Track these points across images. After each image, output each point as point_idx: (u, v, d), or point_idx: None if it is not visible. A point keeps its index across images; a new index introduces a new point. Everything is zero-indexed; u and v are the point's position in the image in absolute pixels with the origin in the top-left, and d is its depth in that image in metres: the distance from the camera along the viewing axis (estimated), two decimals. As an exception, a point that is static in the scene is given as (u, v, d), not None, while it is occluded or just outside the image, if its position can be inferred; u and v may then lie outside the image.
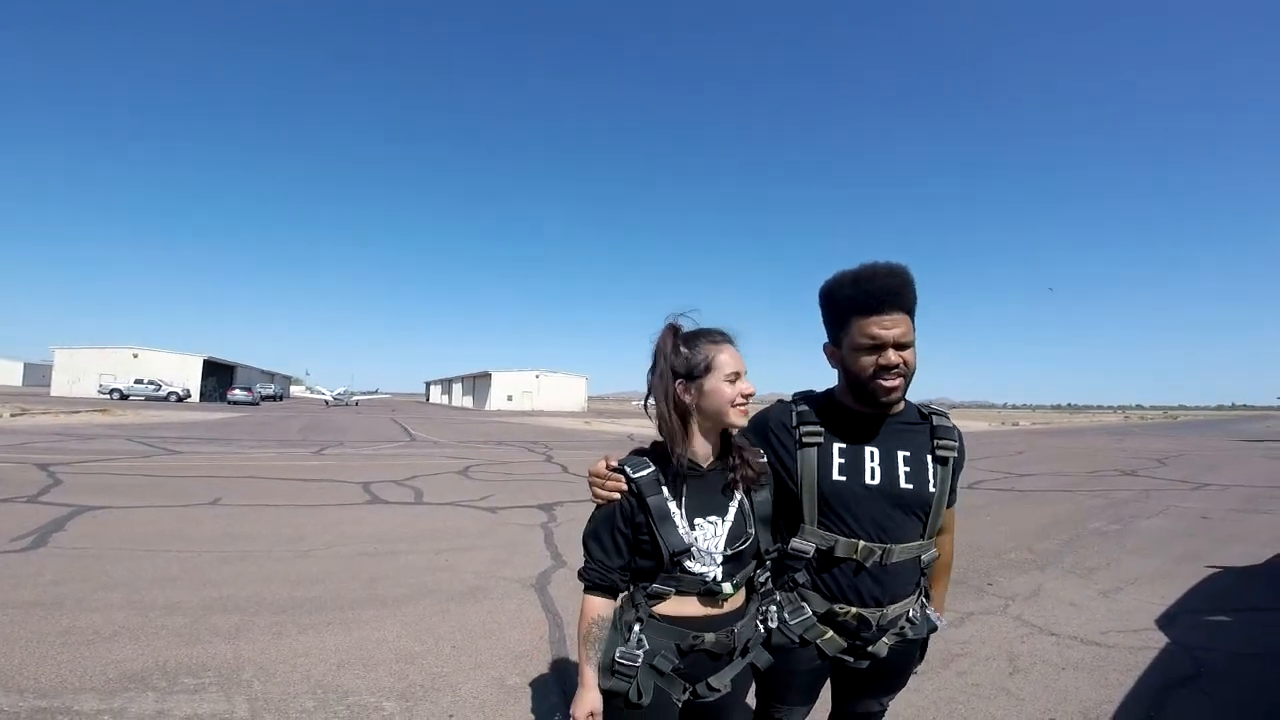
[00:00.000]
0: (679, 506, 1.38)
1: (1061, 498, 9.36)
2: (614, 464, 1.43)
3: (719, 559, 1.37)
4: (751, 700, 1.58)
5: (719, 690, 1.39)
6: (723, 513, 1.40)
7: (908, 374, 1.44)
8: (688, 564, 1.35)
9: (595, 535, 1.41)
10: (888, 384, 1.42)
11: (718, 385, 1.37)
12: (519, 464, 12.56)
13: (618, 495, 1.38)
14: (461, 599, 4.11)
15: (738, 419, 1.39)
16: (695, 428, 1.41)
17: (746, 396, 1.39)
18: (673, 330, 1.43)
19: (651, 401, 1.41)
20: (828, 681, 1.61)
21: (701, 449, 1.43)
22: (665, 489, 1.38)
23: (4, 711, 2.50)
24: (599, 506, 1.42)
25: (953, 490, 1.58)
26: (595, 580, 1.39)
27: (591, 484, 1.44)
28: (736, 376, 1.39)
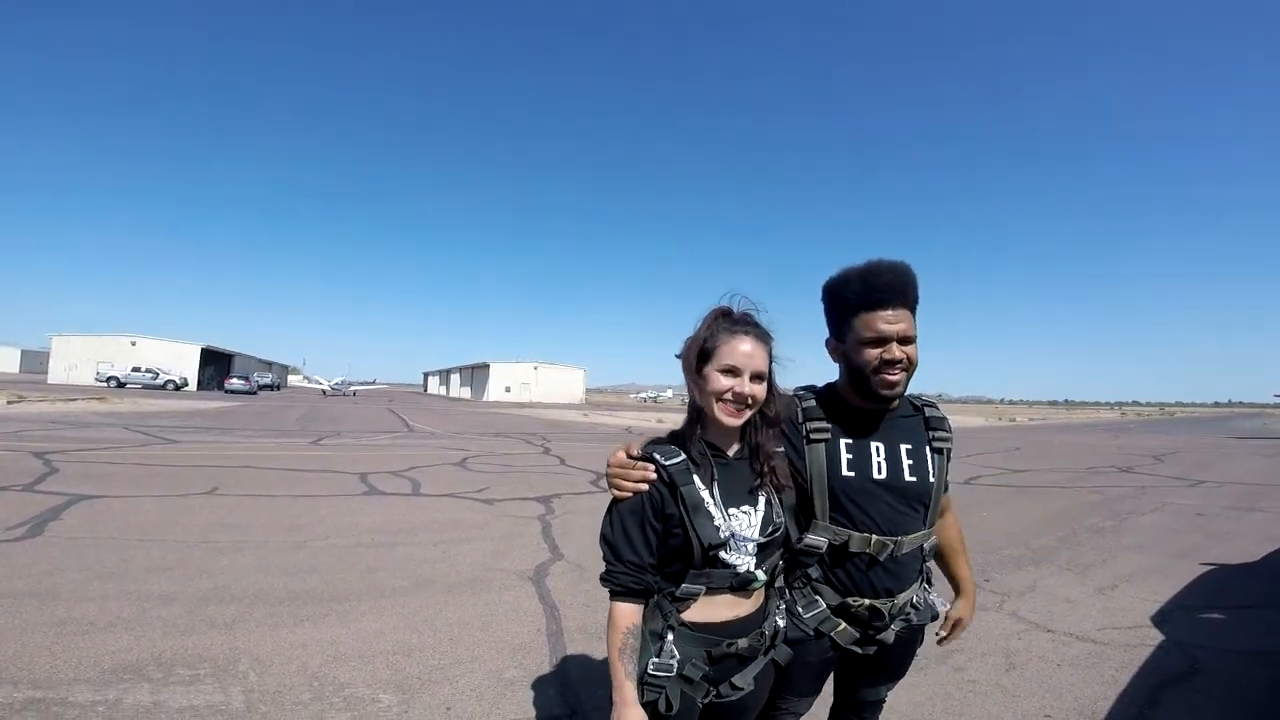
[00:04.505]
0: (713, 495, 1.30)
1: (1058, 494, 9.39)
2: (638, 452, 1.32)
3: (753, 548, 1.31)
4: None
5: (742, 689, 1.35)
6: (754, 504, 1.35)
7: (910, 369, 1.47)
8: (723, 555, 1.28)
9: (623, 533, 1.28)
10: (891, 378, 1.45)
11: (712, 373, 1.30)
12: (517, 456, 12.57)
13: (645, 486, 1.28)
14: (459, 591, 4.11)
15: (719, 415, 1.30)
16: (708, 410, 1.33)
17: (737, 396, 1.29)
18: (719, 311, 1.36)
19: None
20: (830, 673, 1.63)
21: (718, 435, 1.36)
22: (697, 477, 1.30)
23: (-2, 702, 2.49)
24: (620, 501, 1.30)
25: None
26: (628, 585, 1.26)
27: (612, 476, 1.33)
28: (732, 371, 1.29)
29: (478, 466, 10.61)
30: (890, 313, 1.43)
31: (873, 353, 1.45)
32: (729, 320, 1.35)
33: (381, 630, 3.40)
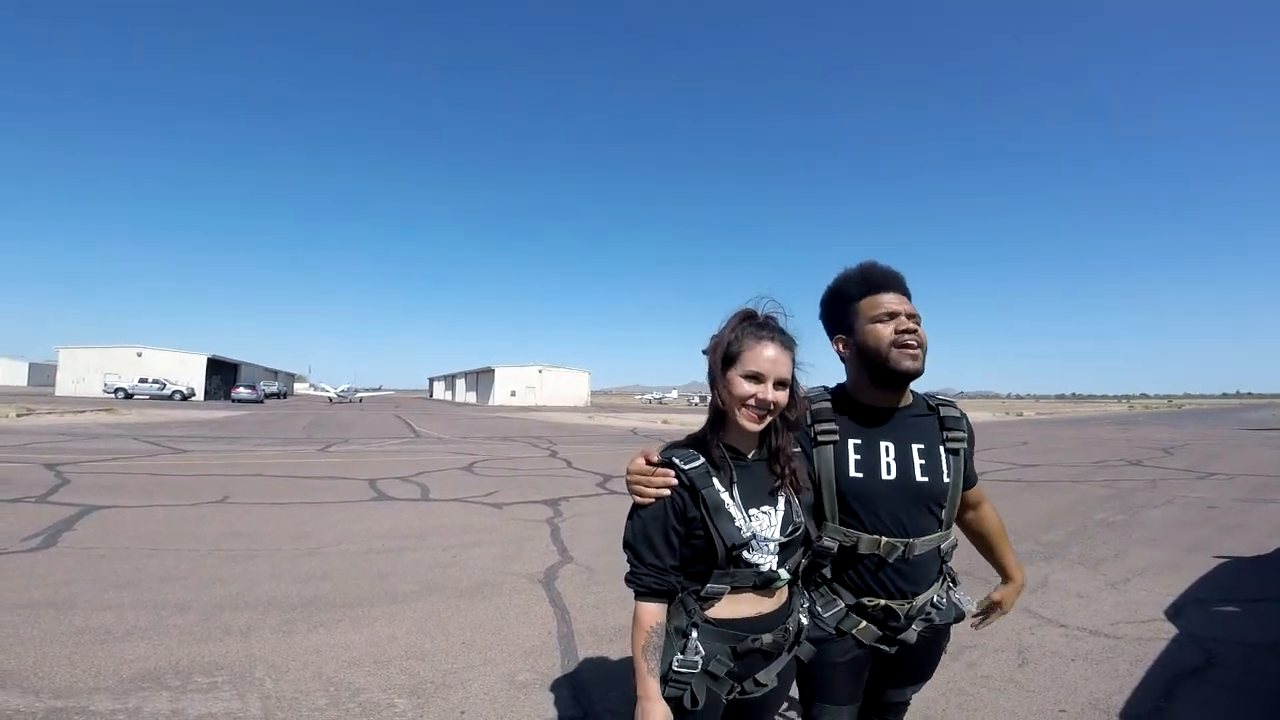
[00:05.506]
0: (733, 497, 1.31)
1: (1067, 488, 9.35)
2: (657, 458, 1.34)
3: (775, 547, 1.32)
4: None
5: (766, 685, 1.36)
6: (774, 504, 1.36)
7: (923, 345, 1.47)
8: (746, 555, 1.29)
9: (645, 537, 1.30)
10: (910, 348, 1.45)
11: (735, 378, 1.31)
12: (524, 459, 12.59)
13: (667, 491, 1.29)
14: (470, 595, 4.13)
15: (742, 420, 1.31)
16: (730, 414, 1.34)
17: (760, 402, 1.30)
18: (744, 314, 1.37)
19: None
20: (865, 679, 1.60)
21: (738, 438, 1.37)
22: (716, 480, 1.31)
23: (20, 712, 2.52)
24: (642, 506, 1.32)
25: (971, 472, 1.63)
26: (652, 586, 1.29)
27: (633, 483, 1.34)
28: (755, 378, 1.30)
29: (485, 471, 10.64)
30: (894, 295, 1.48)
31: (886, 328, 1.46)
32: (754, 324, 1.35)
33: (394, 635, 3.42)
